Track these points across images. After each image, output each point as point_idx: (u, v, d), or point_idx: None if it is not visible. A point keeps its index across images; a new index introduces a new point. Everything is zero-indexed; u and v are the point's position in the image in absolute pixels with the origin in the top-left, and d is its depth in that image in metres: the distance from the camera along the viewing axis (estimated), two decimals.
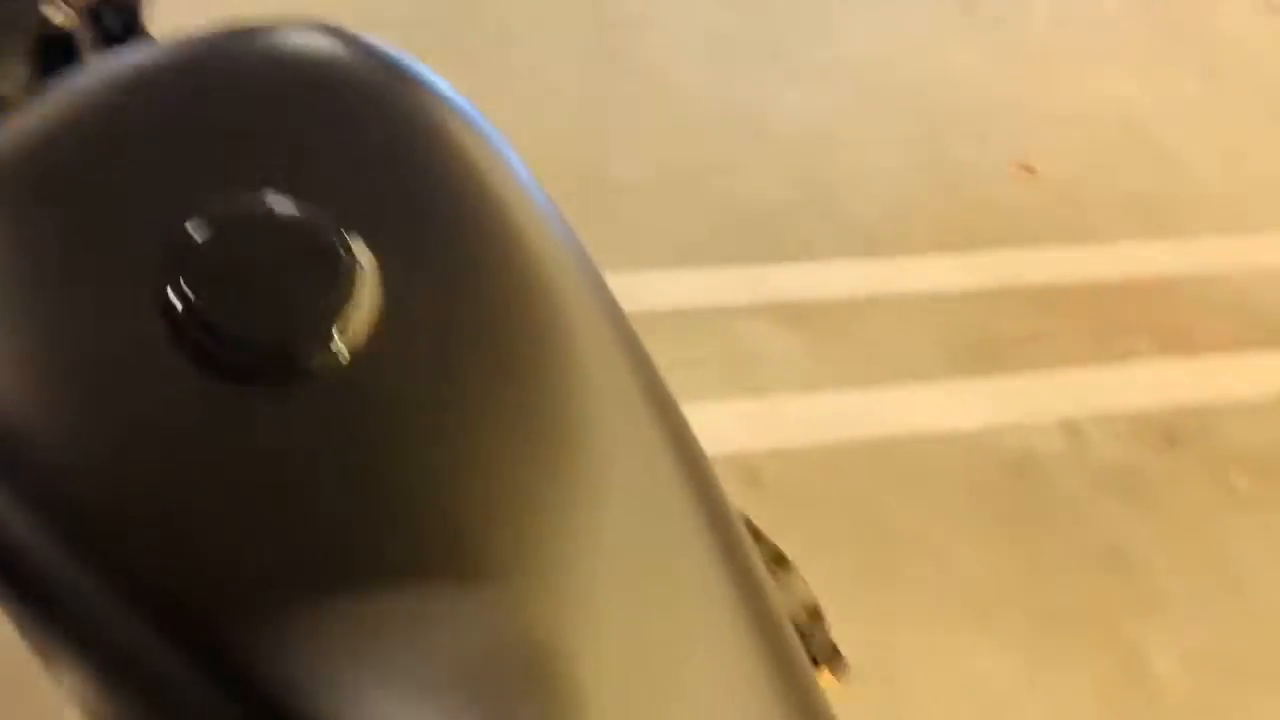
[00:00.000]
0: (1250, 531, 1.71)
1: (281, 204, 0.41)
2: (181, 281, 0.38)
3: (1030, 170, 2.35)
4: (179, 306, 0.38)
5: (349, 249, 0.40)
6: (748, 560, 0.48)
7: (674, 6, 2.61)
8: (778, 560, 0.78)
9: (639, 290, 1.88)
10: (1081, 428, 1.82)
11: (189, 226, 0.39)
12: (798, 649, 0.49)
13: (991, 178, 2.30)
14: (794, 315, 1.93)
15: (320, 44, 0.48)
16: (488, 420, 0.41)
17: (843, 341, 1.90)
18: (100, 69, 0.46)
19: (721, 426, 1.71)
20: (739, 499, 1.20)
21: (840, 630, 1.25)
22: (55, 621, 0.39)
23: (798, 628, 0.77)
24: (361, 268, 0.40)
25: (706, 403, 1.74)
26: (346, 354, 0.39)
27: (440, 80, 0.50)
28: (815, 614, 0.79)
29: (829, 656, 0.81)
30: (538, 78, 2.30)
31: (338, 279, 0.40)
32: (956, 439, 1.77)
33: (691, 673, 0.43)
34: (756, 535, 0.79)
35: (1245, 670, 1.54)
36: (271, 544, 0.38)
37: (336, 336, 0.39)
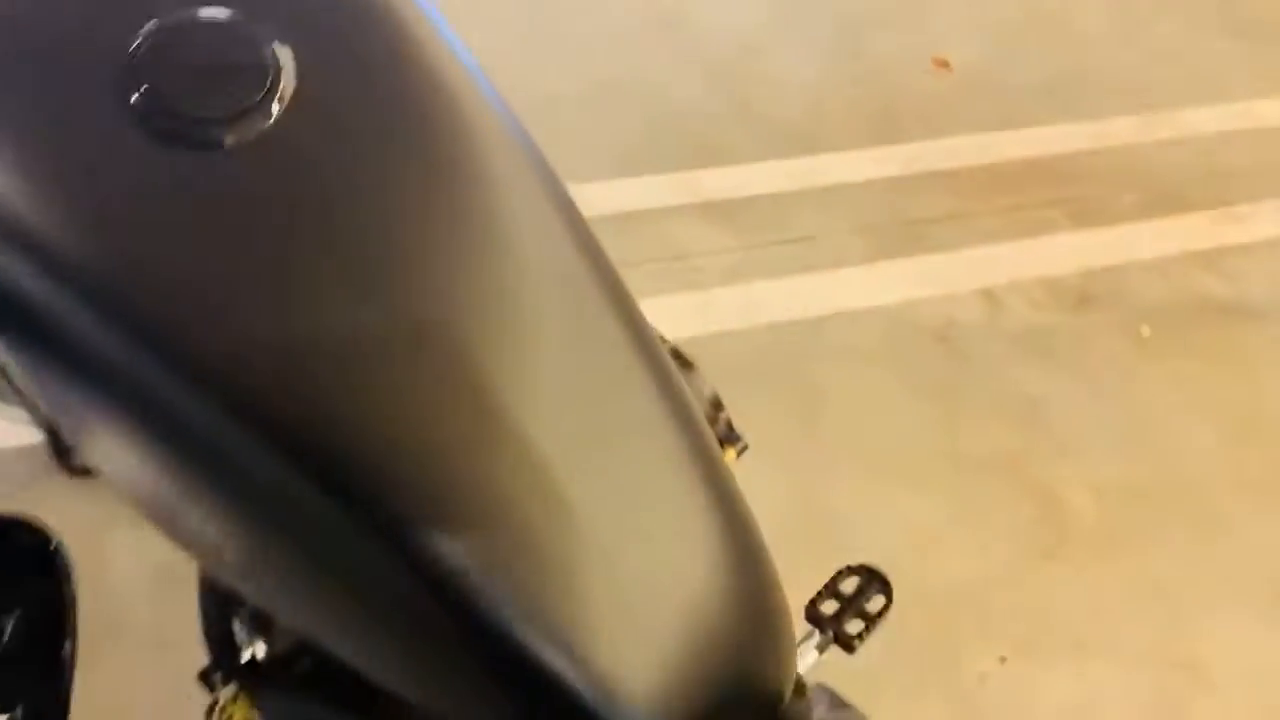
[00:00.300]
0: (1157, 377, 1.84)
1: (216, 15, 0.51)
2: (142, 73, 0.48)
3: (945, 64, 2.45)
4: (138, 93, 0.48)
5: (271, 48, 0.50)
6: (657, 344, 0.58)
7: None
8: (682, 361, 0.89)
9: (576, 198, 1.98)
10: (998, 295, 1.94)
11: (144, 34, 0.49)
12: (702, 421, 0.59)
13: (908, 75, 2.39)
14: (724, 213, 2.03)
15: None
16: (387, 170, 0.51)
17: (771, 234, 2.00)
18: None
19: (657, 317, 1.82)
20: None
21: (775, 481, 1.36)
22: (77, 366, 0.48)
23: (705, 416, 0.88)
24: (280, 62, 0.50)
25: (643, 299, 1.84)
26: (269, 125, 0.49)
27: None
28: (717, 405, 0.90)
29: (730, 439, 0.92)
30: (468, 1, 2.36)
31: (260, 70, 0.50)
32: (881, 313, 1.89)
33: (620, 430, 0.53)
34: (662, 339, 0.90)
35: (1151, 499, 1.67)
36: (236, 262, 0.48)
37: (266, 110, 0.49)
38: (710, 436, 0.59)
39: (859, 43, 2.45)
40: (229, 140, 0.48)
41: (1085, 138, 2.29)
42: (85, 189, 0.47)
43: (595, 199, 1.99)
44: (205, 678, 0.69)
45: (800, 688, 0.58)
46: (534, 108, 2.16)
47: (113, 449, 0.52)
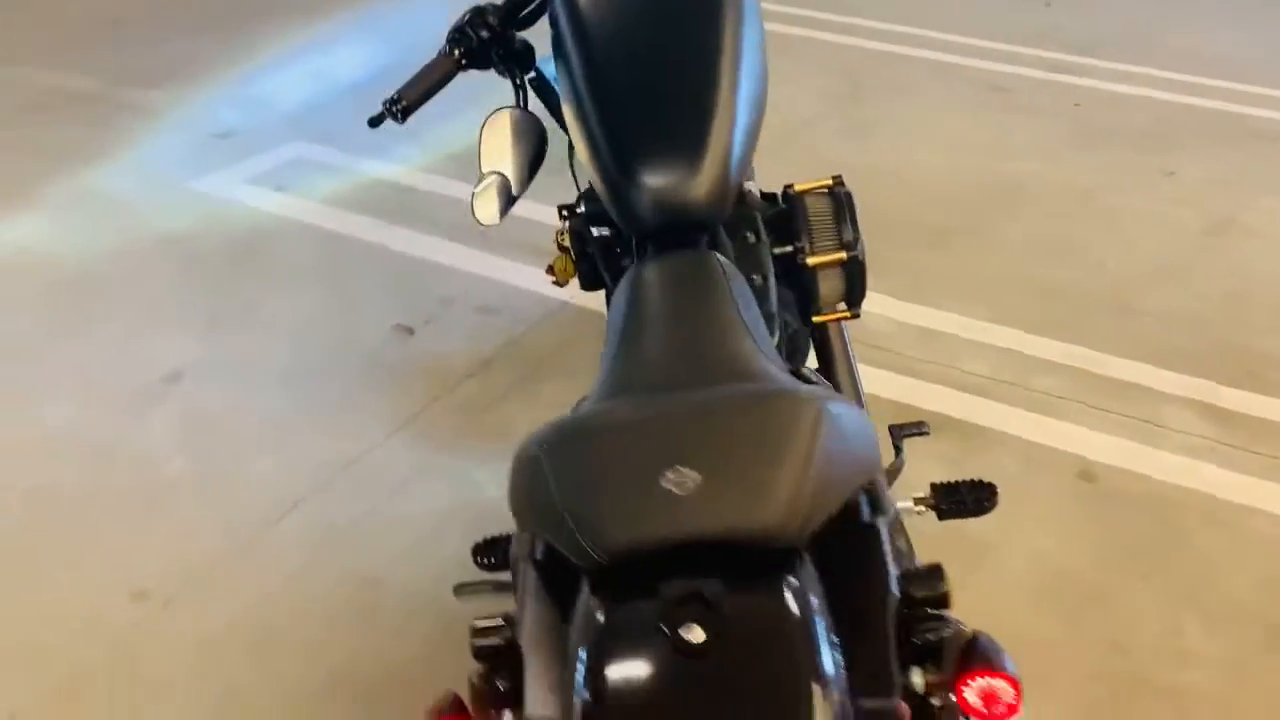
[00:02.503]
0: None
1: None
2: None
3: None
4: None
5: None
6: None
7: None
8: (854, 225, 1.51)
9: (1111, 367, 2.44)
10: None
11: None
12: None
13: None
14: (1222, 418, 2.28)
15: None
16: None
17: (1251, 446, 2.20)
18: None
19: (1090, 441, 2.20)
20: (1065, 490, 1.89)
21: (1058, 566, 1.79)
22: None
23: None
24: None
25: (1093, 430, 2.24)
26: None
27: None
28: (852, 243, 1.49)
29: (853, 300, 1.51)
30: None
31: None
32: None
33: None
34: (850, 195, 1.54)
35: None
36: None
37: None
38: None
39: None
40: None
41: None
42: None
43: (1119, 371, 2.42)
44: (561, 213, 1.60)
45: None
46: (1129, 316, 2.61)
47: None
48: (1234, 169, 3.41)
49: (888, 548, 0.98)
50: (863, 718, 0.81)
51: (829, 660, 0.80)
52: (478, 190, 1.49)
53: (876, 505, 0.97)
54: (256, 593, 1.88)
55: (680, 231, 1.26)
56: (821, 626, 0.82)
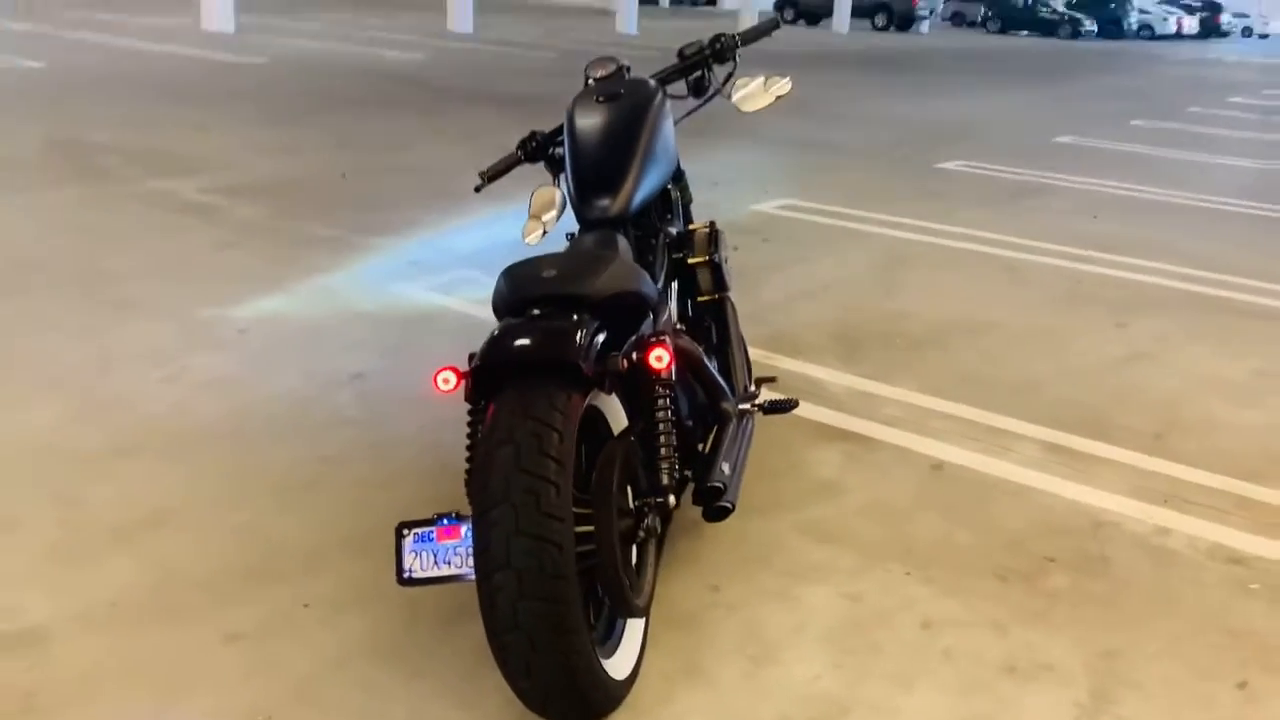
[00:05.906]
0: None
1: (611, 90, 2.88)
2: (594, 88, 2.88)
3: None
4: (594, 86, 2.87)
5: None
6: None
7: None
8: (718, 246, 2.80)
9: (993, 420, 3.53)
10: None
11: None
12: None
13: None
14: (1057, 450, 3.32)
15: None
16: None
17: (1070, 463, 3.23)
18: None
19: (951, 451, 3.29)
20: (916, 472, 3.34)
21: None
22: None
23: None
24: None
25: (957, 447, 3.32)
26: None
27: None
28: (718, 256, 2.78)
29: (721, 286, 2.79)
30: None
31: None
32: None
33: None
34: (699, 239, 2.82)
35: None
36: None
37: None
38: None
39: None
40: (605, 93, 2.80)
41: None
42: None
43: (999, 423, 3.51)
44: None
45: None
46: (1020, 393, 3.83)
47: None
48: (1173, 325, 4.47)
49: (647, 322, 2.26)
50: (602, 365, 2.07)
51: (589, 330, 2.07)
52: (526, 226, 2.89)
53: (642, 312, 2.25)
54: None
55: (602, 224, 2.59)
56: (591, 327, 2.10)
